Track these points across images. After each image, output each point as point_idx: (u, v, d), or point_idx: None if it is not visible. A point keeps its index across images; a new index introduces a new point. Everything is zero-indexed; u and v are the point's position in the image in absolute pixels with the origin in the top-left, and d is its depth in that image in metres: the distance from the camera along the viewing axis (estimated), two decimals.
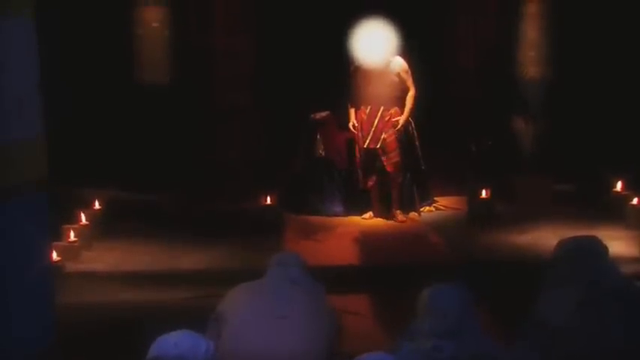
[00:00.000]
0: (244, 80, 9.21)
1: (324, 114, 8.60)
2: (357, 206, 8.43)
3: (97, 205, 7.96)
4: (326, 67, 8.76)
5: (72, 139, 8.27)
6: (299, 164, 8.71)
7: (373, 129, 8.05)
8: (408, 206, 8.37)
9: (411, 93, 8.05)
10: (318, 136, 8.56)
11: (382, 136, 8.05)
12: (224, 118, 9.03)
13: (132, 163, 8.50)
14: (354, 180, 8.38)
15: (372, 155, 8.13)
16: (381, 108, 8.03)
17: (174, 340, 3.00)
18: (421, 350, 3.31)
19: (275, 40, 9.25)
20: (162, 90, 8.78)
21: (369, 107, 8.06)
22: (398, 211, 8.25)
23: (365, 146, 8.10)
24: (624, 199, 8.11)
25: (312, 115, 8.60)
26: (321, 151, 8.55)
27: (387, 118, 8.05)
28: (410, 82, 8.04)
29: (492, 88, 9.15)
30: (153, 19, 8.84)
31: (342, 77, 8.15)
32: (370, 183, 8.22)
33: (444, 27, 9.56)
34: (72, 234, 7.20)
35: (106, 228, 7.81)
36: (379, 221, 8.27)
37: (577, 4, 8.73)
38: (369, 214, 8.33)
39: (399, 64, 8.02)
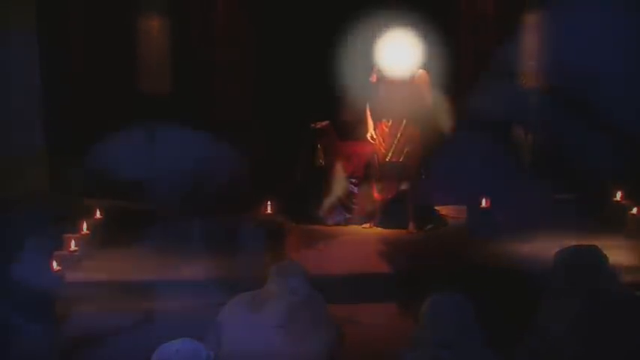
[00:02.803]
0: (245, 91, 9.22)
1: (324, 123, 8.60)
2: (357, 215, 8.44)
3: (98, 215, 7.97)
4: (326, 76, 8.78)
5: (74, 148, 8.28)
6: (299, 173, 8.71)
7: (396, 142, 8.03)
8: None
9: (428, 105, 8.00)
10: (319, 146, 8.57)
11: (405, 150, 8.04)
12: (224, 128, 9.04)
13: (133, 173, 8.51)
14: (366, 189, 8.38)
15: (393, 168, 8.09)
16: (404, 121, 8.00)
17: (176, 347, 3.03)
18: None
19: (275, 51, 9.27)
20: (162, 100, 8.79)
21: (390, 120, 8.02)
22: (412, 224, 8.19)
23: (387, 159, 8.07)
24: (624, 208, 8.12)
25: (312, 125, 8.61)
26: (321, 161, 8.56)
27: (409, 131, 8.03)
28: (429, 96, 7.95)
29: (491, 97, 9.15)
30: (153, 30, 8.86)
31: (353, 87, 8.12)
32: (388, 196, 8.19)
33: (444, 37, 9.56)
34: (73, 243, 7.19)
35: (107, 237, 7.82)
36: (379, 230, 8.26)
37: (576, 13, 8.74)
38: (369, 223, 8.34)
39: (423, 76, 7.95)
